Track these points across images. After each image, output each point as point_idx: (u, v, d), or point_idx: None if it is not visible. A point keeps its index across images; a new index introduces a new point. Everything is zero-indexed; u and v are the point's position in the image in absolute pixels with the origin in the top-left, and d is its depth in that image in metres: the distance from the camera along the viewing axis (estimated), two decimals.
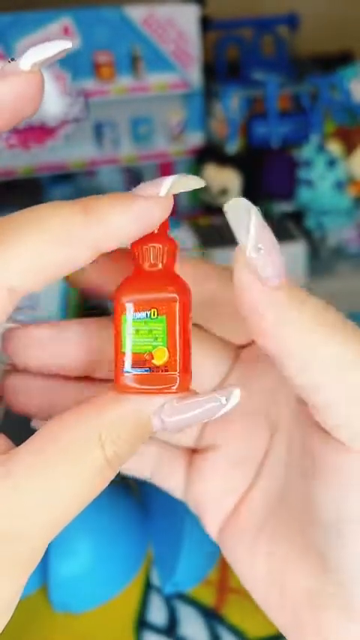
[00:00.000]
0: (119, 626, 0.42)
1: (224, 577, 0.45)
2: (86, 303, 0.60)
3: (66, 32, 0.74)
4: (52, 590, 0.41)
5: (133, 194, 0.15)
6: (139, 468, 0.20)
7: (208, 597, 0.44)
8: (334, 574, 0.15)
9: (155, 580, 0.44)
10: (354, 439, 0.13)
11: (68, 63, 0.75)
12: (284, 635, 0.18)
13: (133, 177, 0.93)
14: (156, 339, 0.13)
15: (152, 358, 0.14)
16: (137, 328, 0.14)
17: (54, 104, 0.67)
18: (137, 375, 0.14)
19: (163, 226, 0.17)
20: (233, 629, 0.42)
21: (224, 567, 0.45)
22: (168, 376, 0.14)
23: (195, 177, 0.16)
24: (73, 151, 0.80)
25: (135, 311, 0.14)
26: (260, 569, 0.18)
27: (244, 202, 0.15)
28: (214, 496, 0.18)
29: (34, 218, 0.14)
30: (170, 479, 0.19)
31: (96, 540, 0.42)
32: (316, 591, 0.16)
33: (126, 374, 0.14)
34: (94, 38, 0.75)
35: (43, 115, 0.78)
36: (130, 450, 0.14)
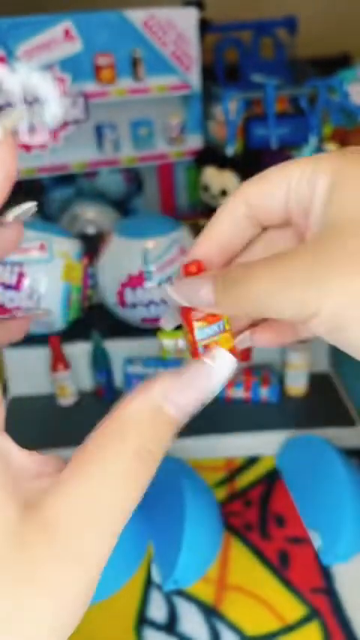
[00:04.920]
0: (120, 623, 0.42)
1: (223, 574, 0.45)
2: (87, 303, 0.60)
3: (67, 35, 0.75)
4: None
5: None
6: None
7: (207, 594, 0.44)
8: None
9: (155, 577, 0.44)
10: None
11: (69, 65, 0.76)
12: None
13: (133, 179, 0.93)
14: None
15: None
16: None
17: (54, 108, 0.67)
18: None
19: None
20: (232, 626, 0.42)
21: (224, 564, 0.45)
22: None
23: (29, 203, 0.18)
24: (74, 153, 0.80)
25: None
26: None
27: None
28: None
29: None
30: None
31: None
32: None
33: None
34: (95, 41, 0.75)
35: (45, 118, 0.78)
36: (158, 442, 0.15)
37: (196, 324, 0.22)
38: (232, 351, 0.22)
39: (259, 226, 0.20)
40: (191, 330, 0.22)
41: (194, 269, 0.20)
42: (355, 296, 0.16)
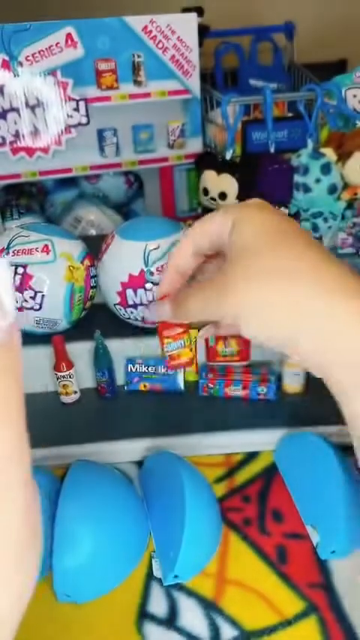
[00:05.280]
0: (121, 617, 0.43)
1: (223, 569, 0.46)
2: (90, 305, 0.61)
3: (69, 41, 0.76)
4: (56, 581, 0.42)
5: None
6: None
7: (207, 589, 0.44)
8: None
9: (156, 572, 0.45)
10: None
11: (71, 70, 0.77)
12: None
13: (134, 182, 0.94)
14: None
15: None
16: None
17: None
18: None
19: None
20: (232, 620, 0.42)
21: (223, 559, 0.46)
22: None
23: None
24: (76, 156, 0.81)
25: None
26: None
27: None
28: None
29: None
30: None
31: (98, 533, 0.43)
32: None
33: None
34: (96, 47, 0.77)
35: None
36: None
37: (166, 340, 0.36)
38: (190, 360, 0.36)
39: (203, 256, 0.30)
40: (162, 344, 0.36)
41: (163, 296, 0.31)
42: (245, 304, 0.26)
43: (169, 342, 0.37)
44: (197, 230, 0.30)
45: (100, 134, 0.82)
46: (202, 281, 0.31)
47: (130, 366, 0.60)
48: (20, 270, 0.52)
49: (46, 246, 0.53)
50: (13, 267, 0.52)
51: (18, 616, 0.16)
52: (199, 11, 0.82)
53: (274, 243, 0.26)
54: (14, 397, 0.15)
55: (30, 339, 0.57)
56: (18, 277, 0.53)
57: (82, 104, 0.78)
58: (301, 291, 0.25)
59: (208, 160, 0.84)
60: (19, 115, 0.77)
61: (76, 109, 0.79)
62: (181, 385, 0.61)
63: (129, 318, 0.58)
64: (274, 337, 0.26)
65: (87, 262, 0.57)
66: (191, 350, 0.37)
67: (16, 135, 0.78)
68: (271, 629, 0.42)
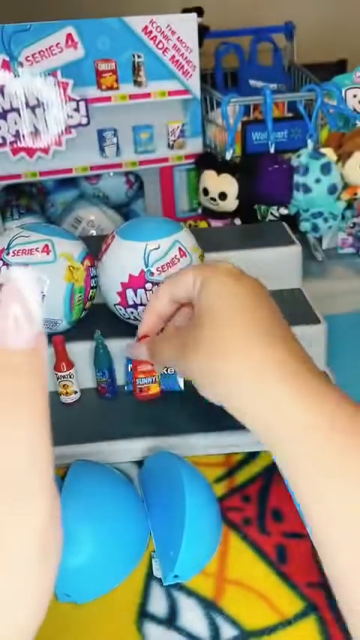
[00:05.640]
0: (121, 617, 0.43)
1: (223, 568, 0.46)
2: (89, 305, 0.61)
3: (69, 41, 0.76)
4: (56, 581, 0.42)
5: None
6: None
7: (207, 588, 0.44)
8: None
9: (156, 571, 0.45)
10: None
11: (71, 71, 0.77)
12: None
13: (134, 182, 0.94)
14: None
15: None
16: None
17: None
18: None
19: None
20: (231, 620, 0.43)
21: (223, 559, 0.46)
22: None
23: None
24: (76, 157, 0.81)
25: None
26: None
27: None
28: None
29: None
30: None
31: (98, 533, 0.43)
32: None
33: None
34: (97, 47, 0.77)
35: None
36: None
37: (139, 376, 0.48)
38: (157, 393, 0.50)
39: (178, 303, 0.35)
40: (135, 378, 0.48)
41: (144, 338, 0.37)
42: (195, 370, 0.31)
43: (142, 378, 0.47)
44: (173, 280, 0.34)
45: (101, 134, 0.82)
46: (178, 325, 0.36)
47: (130, 366, 0.60)
48: None
49: (46, 246, 0.54)
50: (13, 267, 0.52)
51: (36, 626, 0.16)
52: (199, 11, 0.82)
53: (228, 318, 0.30)
54: (39, 401, 0.15)
55: None
56: None
57: (82, 104, 0.79)
58: (234, 371, 0.28)
59: (208, 160, 0.84)
60: (20, 115, 0.77)
61: (77, 110, 0.79)
62: (181, 385, 0.61)
63: (129, 318, 0.58)
64: (222, 403, 0.30)
65: (87, 262, 0.58)
66: (159, 385, 0.48)
67: (17, 135, 0.78)
68: (272, 629, 0.42)
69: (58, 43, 0.75)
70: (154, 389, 0.48)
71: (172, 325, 0.38)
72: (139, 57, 0.78)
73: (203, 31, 0.86)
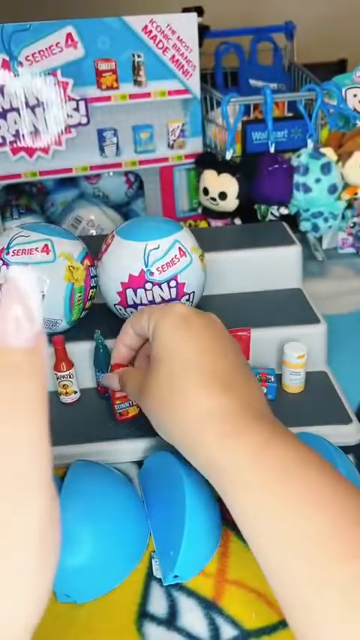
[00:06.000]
0: (121, 617, 0.43)
1: (223, 568, 0.46)
2: (89, 306, 0.61)
3: (69, 40, 0.76)
4: (56, 581, 0.42)
5: None
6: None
7: (207, 588, 0.44)
8: None
9: (156, 571, 0.45)
10: None
11: (71, 70, 0.77)
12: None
13: (134, 181, 0.94)
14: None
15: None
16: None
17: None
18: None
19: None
20: (231, 620, 0.43)
21: (223, 559, 0.46)
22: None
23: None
24: (76, 156, 0.81)
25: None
26: None
27: None
28: None
29: None
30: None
31: (98, 533, 0.43)
32: None
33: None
34: (96, 47, 0.77)
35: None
36: None
37: (117, 401, 0.50)
38: (136, 414, 0.52)
39: (145, 336, 0.40)
40: (114, 404, 0.50)
41: (117, 367, 0.44)
42: (146, 410, 0.38)
43: (120, 403, 0.50)
44: (135, 317, 0.40)
45: (100, 134, 0.82)
46: (145, 354, 0.42)
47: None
48: None
49: (46, 246, 0.54)
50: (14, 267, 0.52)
51: (34, 624, 0.16)
52: (199, 11, 0.82)
53: (173, 370, 0.34)
54: (39, 400, 0.15)
55: None
56: None
57: (82, 104, 0.78)
58: (167, 419, 0.35)
59: (208, 159, 0.84)
60: (19, 115, 0.77)
61: (76, 109, 0.79)
62: None
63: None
64: (171, 443, 0.36)
65: (87, 262, 0.57)
66: (137, 407, 0.51)
67: (16, 135, 0.78)
68: (271, 629, 0.42)
69: (57, 43, 0.75)
70: (133, 411, 0.51)
71: (142, 354, 0.44)
72: (139, 56, 0.78)
73: (203, 31, 0.86)
